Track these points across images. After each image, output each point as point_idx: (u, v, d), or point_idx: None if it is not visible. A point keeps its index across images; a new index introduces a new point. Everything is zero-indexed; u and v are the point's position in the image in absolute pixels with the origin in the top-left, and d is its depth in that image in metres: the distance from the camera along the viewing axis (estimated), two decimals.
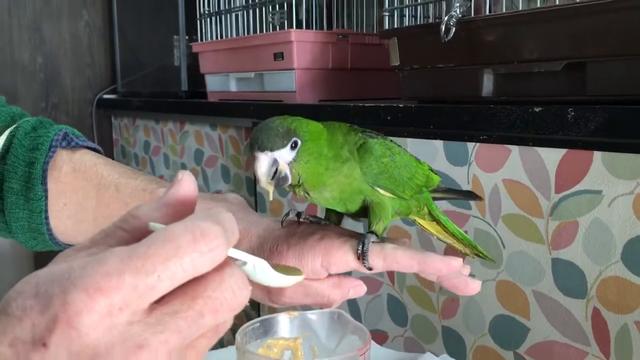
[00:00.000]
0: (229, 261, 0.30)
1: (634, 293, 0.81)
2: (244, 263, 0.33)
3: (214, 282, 0.29)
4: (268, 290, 0.56)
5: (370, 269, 0.51)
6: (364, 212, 0.55)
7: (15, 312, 0.27)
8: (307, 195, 0.52)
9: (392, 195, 0.55)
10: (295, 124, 0.49)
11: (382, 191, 0.54)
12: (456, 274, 0.52)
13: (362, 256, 0.50)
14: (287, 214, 0.57)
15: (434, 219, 0.61)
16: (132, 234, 0.31)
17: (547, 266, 0.91)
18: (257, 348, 0.52)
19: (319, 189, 0.52)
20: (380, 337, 1.20)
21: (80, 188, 0.60)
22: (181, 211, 0.31)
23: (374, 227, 0.53)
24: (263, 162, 0.48)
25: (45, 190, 0.59)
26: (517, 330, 0.96)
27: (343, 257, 0.51)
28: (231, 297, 0.29)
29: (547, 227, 0.90)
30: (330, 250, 0.52)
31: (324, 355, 0.52)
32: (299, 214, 0.57)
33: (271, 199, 0.50)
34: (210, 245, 0.28)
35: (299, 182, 0.50)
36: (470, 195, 0.64)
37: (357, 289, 0.55)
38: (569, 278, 0.88)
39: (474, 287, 0.52)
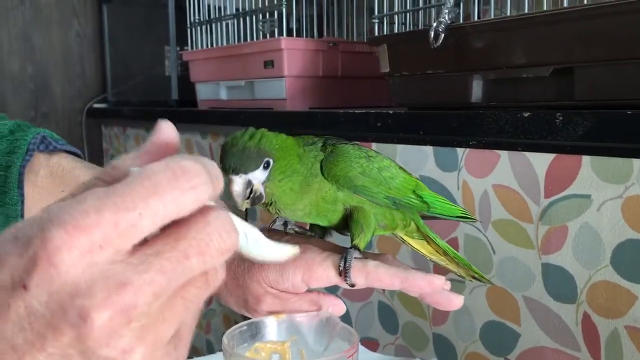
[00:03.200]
0: (213, 206, 0.28)
1: (623, 297, 0.81)
2: None
3: (198, 223, 0.27)
4: (245, 300, 0.55)
5: (352, 285, 0.51)
6: (347, 223, 0.55)
7: None
8: (279, 212, 0.52)
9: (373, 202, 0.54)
10: (264, 141, 0.49)
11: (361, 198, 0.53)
12: (439, 291, 0.52)
13: (344, 272, 0.50)
14: (274, 222, 0.57)
15: (424, 236, 0.60)
16: (111, 184, 0.29)
17: (537, 271, 0.91)
18: (245, 351, 0.51)
19: (292, 207, 0.52)
20: (371, 345, 1.19)
21: (57, 192, 0.59)
22: (161, 159, 0.30)
23: (356, 240, 0.53)
24: (238, 185, 0.48)
25: (22, 195, 0.58)
26: (507, 336, 0.96)
27: (324, 272, 0.51)
28: (218, 240, 0.27)
29: (537, 232, 0.90)
30: (312, 265, 0.52)
31: (312, 359, 0.52)
32: (285, 224, 0.57)
33: (243, 209, 0.49)
34: (191, 182, 0.26)
35: (271, 201, 0.50)
36: (465, 217, 0.62)
37: (336, 308, 0.55)
38: (559, 283, 0.88)
39: (456, 302, 0.52)
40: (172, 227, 0.27)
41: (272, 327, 0.54)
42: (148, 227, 0.26)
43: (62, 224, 0.25)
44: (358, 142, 0.57)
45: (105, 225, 0.25)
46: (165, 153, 0.30)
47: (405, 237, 0.60)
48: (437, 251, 0.60)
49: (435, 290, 0.51)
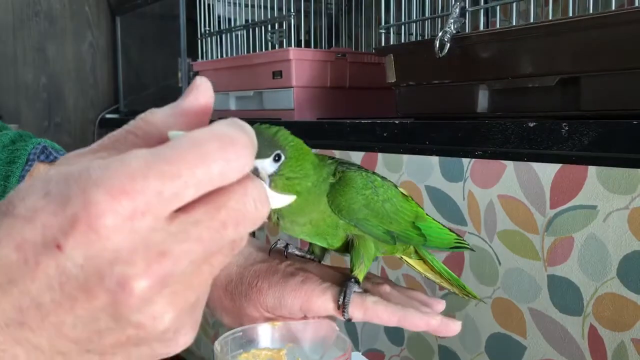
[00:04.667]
0: (250, 173, 0.28)
1: (630, 310, 0.79)
2: None
3: (237, 193, 0.27)
4: (240, 322, 0.56)
5: (349, 319, 0.51)
6: (347, 247, 0.54)
7: (23, 213, 0.24)
8: (279, 219, 0.49)
9: (370, 237, 0.53)
10: (279, 134, 0.46)
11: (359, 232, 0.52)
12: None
13: (342, 307, 0.50)
14: (275, 244, 0.57)
15: (421, 257, 0.60)
16: (144, 140, 0.29)
17: (543, 283, 0.90)
18: (238, 358, 0.51)
19: (294, 216, 0.49)
20: (377, 357, 1.18)
21: None
22: (197, 121, 0.29)
23: (356, 271, 0.53)
24: None
25: None
26: (513, 348, 0.94)
27: (323, 304, 0.52)
28: (253, 210, 0.27)
29: (542, 243, 0.89)
30: (311, 296, 0.52)
31: None
32: (286, 246, 0.56)
33: None
34: (238, 153, 0.26)
35: None
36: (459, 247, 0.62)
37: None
38: (565, 295, 0.87)
39: (454, 328, 0.52)
40: (212, 195, 0.26)
41: (267, 334, 0.53)
42: (191, 196, 0.26)
43: (107, 187, 0.24)
44: (366, 168, 0.55)
45: (150, 192, 0.24)
46: (202, 116, 0.29)
47: (403, 256, 0.60)
48: (432, 269, 0.61)
49: (431, 329, 0.51)
